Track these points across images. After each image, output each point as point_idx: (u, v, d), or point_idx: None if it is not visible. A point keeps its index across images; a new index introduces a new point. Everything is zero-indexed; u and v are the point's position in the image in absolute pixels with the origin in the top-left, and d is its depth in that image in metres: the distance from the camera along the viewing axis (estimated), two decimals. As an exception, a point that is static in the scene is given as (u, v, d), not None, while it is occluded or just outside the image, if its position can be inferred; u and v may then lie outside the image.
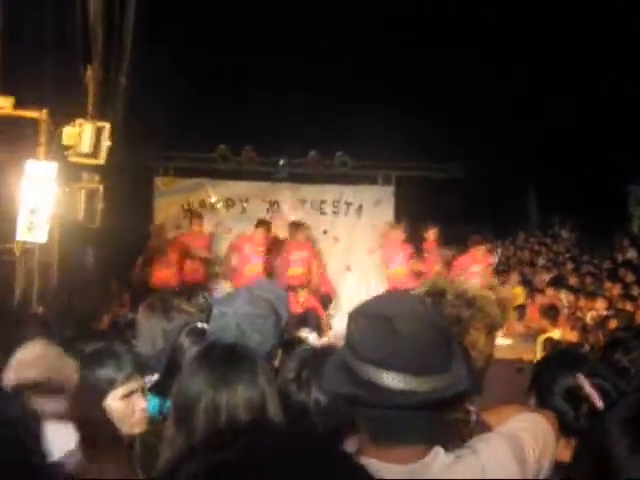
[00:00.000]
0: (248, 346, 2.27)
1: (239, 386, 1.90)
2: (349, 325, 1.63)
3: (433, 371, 1.54)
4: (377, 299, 1.69)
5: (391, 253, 11.36)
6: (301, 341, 3.91)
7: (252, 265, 10.89)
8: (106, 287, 10.90)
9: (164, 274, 10.85)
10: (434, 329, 1.57)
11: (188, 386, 1.95)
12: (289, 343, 3.53)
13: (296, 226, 11.68)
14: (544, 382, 2.43)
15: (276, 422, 1.92)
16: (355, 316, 1.63)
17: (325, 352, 2.15)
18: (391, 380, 1.51)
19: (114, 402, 2.46)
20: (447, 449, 1.60)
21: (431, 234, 11.63)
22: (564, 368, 2.41)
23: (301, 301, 10.44)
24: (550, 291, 10.88)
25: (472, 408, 1.93)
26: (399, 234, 11.35)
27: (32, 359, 2.20)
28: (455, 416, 1.72)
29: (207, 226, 12.36)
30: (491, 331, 2.00)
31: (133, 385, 2.52)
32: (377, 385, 1.52)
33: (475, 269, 10.74)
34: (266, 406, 1.91)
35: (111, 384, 2.47)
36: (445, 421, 1.64)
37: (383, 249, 11.69)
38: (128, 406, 2.49)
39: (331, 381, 1.63)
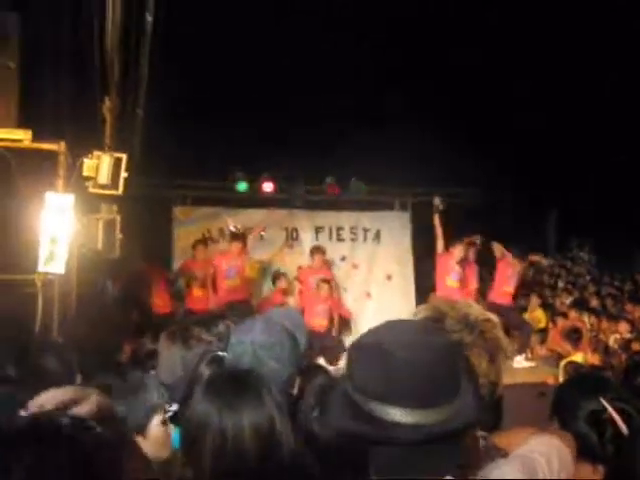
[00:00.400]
0: (265, 374, 2.25)
1: (244, 411, 1.89)
2: (348, 358, 1.60)
3: (438, 402, 1.49)
4: (374, 330, 1.62)
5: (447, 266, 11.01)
6: (320, 369, 3.89)
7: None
8: (127, 317, 10.99)
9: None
10: (436, 356, 1.51)
11: (195, 412, 1.95)
12: (308, 371, 3.51)
13: (313, 251, 11.83)
14: (567, 406, 2.39)
15: (286, 449, 1.89)
16: (353, 348, 1.59)
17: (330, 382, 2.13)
18: (395, 415, 1.47)
19: (156, 427, 2.71)
20: (457, 478, 1.55)
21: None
22: (587, 392, 2.38)
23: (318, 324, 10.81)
24: (572, 314, 10.78)
25: (481, 433, 1.89)
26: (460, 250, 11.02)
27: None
28: (463, 444, 1.66)
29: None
30: (494, 357, 1.91)
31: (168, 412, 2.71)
32: (381, 420, 1.48)
33: None
34: (275, 432, 1.89)
35: (154, 410, 2.73)
36: (454, 450, 1.57)
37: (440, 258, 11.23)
38: (166, 431, 2.74)
39: (336, 417, 1.58)
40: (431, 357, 1.50)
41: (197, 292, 11.42)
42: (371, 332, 1.60)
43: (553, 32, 11.69)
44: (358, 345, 1.57)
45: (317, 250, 11.93)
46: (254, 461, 1.84)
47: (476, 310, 1.96)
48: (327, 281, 11.45)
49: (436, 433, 1.46)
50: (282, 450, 1.88)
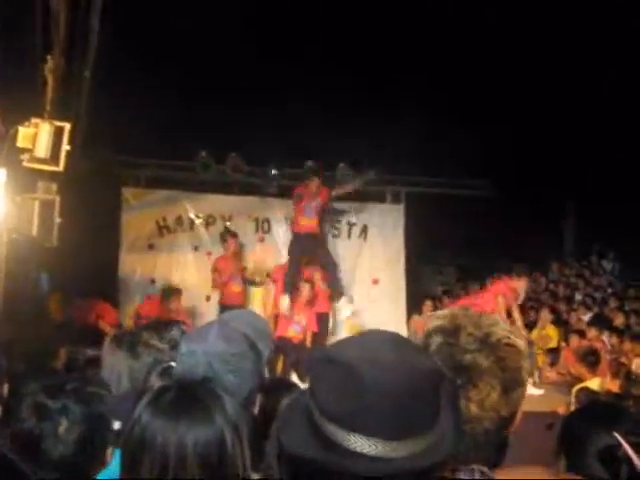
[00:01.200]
0: (220, 389, 2.26)
1: (190, 429, 1.90)
2: (312, 371, 1.57)
3: (410, 433, 1.46)
4: (345, 342, 1.60)
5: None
6: (293, 386, 3.91)
7: None
8: (63, 317, 10.93)
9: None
10: (414, 380, 1.48)
11: (134, 429, 1.96)
12: (279, 388, 3.53)
13: None
14: (575, 440, 2.41)
15: (234, 474, 1.91)
16: (318, 361, 1.55)
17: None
18: (359, 444, 1.45)
19: None
20: None
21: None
22: (599, 424, 2.39)
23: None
24: (591, 332, 10.84)
25: (480, 468, 1.86)
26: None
27: None
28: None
29: (183, 248, 12.44)
30: (509, 390, 1.84)
31: None
32: (343, 448, 1.45)
33: None
34: (224, 454, 1.90)
35: None
36: None
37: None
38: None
39: (294, 439, 1.55)
40: (408, 381, 1.46)
41: None
42: (341, 344, 1.58)
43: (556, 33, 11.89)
44: (324, 358, 1.53)
45: None
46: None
47: (501, 330, 1.89)
48: (308, 281, 11.49)
49: (405, 469, 1.44)
50: (230, 475, 1.90)
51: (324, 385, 1.51)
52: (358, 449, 1.44)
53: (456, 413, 1.61)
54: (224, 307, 11.20)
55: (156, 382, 2.97)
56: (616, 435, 2.26)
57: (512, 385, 1.84)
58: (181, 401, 1.96)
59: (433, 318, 1.98)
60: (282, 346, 10.44)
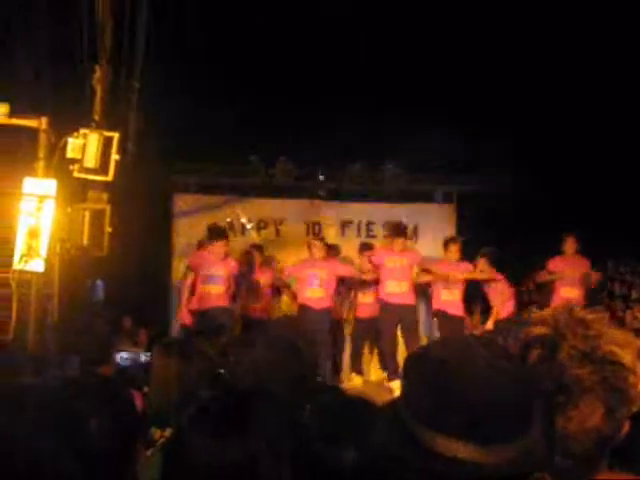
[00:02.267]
0: (269, 397, 2.22)
1: (224, 447, 1.85)
2: (405, 373, 1.55)
3: (502, 438, 1.42)
4: (441, 344, 1.61)
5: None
6: (320, 384, 3.88)
7: None
8: (117, 325, 11.03)
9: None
10: (508, 383, 1.45)
11: (176, 444, 1.92)
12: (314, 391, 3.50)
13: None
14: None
15: None
16: (412, 364, 1.55)
17: (354, 401, 2.09)
18: (448, 447, 1.41)
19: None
20: None
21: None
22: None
23: None
24: (643, 331, 10.63)
25: None
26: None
27: None
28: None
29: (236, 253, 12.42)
30: (614, 410, 1.69)
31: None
32: (434, 452, 1.41)
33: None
34: (257, 471, 1.85)
35: None
36: None
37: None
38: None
39: (382, 439, 1.55)
40: (502, 385, 1.44)
41: None
42: (435, 346, 1.58)
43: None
44: (417, 361, 1.53)
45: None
46: None
47: (608, 343, 1.72)
48: None
49: (494, 475, 1.40)
50: None
51: (417, 386, 1.49)
52: (447, 453, 1.40)
53: (549, 425, 1.56)
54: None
55: (206, 390, 2.95)
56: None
57: (617, 405, 1.71)
58: (221, 418, 1.91)
59: (531, 324, 1.82)
60: None
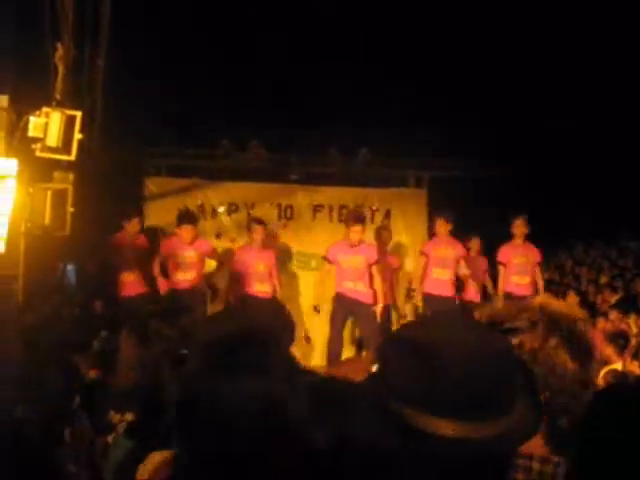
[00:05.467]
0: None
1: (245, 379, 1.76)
2: (383, 354, 1.50)
3: (489, 414, 1.39)
4: (418, 323, 1.59)
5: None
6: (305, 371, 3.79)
7: None
8: (89, 309, 10.87)
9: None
10: (492, 359, 1.42)
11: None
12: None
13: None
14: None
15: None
16: (390, 343, 1.51)
17: (336, 383, 2.03)
18: (438, 426, 1.38)
19: None
20: None
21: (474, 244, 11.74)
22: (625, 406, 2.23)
23: None
24: (613, 314, 10.65)
25: (555, 459, 1.78)
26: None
27: None
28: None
29: (206, 236, 12.27)
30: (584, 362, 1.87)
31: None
32: (422, 432, 1.38)
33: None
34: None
35: None
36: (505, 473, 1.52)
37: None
38: None
39: (362, 418, 1.52)
40: (486, 361, 1.42)
41: None
42: (413, 326, 1.55)
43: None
44: (397, 340, 1.50)
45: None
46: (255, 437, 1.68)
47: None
48: None
49: (485, 451, 1.39)
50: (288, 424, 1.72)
51: (398, 368, 1.45)
52: (436, 431, 1.38)
53: (534, 397, 1.56)
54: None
55: (168, 373, 2.90)
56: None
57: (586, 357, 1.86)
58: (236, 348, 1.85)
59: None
60: None
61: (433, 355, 1.39)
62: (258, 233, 11.10)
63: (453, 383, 1.38)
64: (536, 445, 1.72)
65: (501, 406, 1.42)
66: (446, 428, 1.37)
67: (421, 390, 1.40)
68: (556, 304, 1.86)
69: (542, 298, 1.90)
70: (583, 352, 1.81)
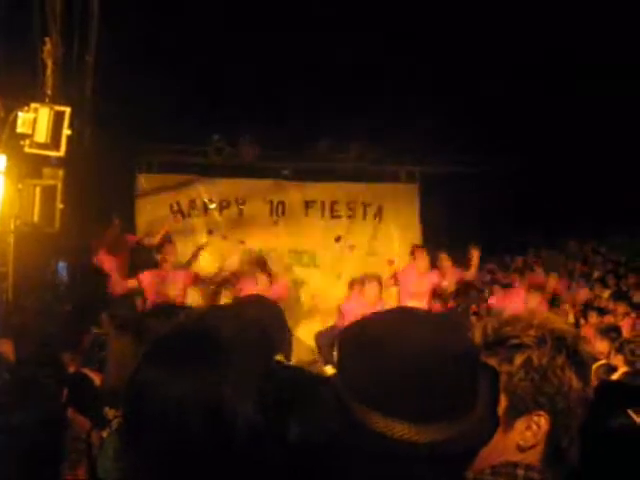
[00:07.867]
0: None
1: (190, 379, 1.70)
2: (340, 348, 1.48)
3: (441, 416, 1.35)
4: (377, 318, 1.49)
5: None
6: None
7: None
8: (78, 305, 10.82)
9: None
10: (448, 359, 1.37)
11: (135, 382, 1.78)
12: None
13: None
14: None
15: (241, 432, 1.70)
16: (346, 338, 1.47)
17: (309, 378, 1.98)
18: (385, 425, 1.34)
19: None
20: None
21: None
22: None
23: None
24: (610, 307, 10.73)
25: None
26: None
27: None
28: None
29: (198, 232, 12.25)
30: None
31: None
32: (369, 430, 1.34)
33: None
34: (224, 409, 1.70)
35: None
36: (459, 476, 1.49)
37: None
38: None
39: (323, 415, 1.43)
40: (440, 361, 1.37)
41: None
42: (371, 321, 1.48)
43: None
44: (353, 335, 1.45)
45: None
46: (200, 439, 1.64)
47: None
48: None
49: (431, 454, 1.34)
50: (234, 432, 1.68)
51: (352, 362, 1.43)
52: (383, 430, 1.35)
53: (494, 401, 1.51)
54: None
55: None
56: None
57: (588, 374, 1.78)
58: (186, 349, 1.76)
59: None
60: None
61: (385, 352, 1.37)
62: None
63: (402, 383, 1.35)
64: (532, 461, 1.68)
65: (455, 409, 1.38)
66: (393, 428, 1.34)
67: (371, 388, 1.38)
68: (559, 322, 1.82)
69: (545, 315, 1.85)
70: (587, 372, 1.77)
